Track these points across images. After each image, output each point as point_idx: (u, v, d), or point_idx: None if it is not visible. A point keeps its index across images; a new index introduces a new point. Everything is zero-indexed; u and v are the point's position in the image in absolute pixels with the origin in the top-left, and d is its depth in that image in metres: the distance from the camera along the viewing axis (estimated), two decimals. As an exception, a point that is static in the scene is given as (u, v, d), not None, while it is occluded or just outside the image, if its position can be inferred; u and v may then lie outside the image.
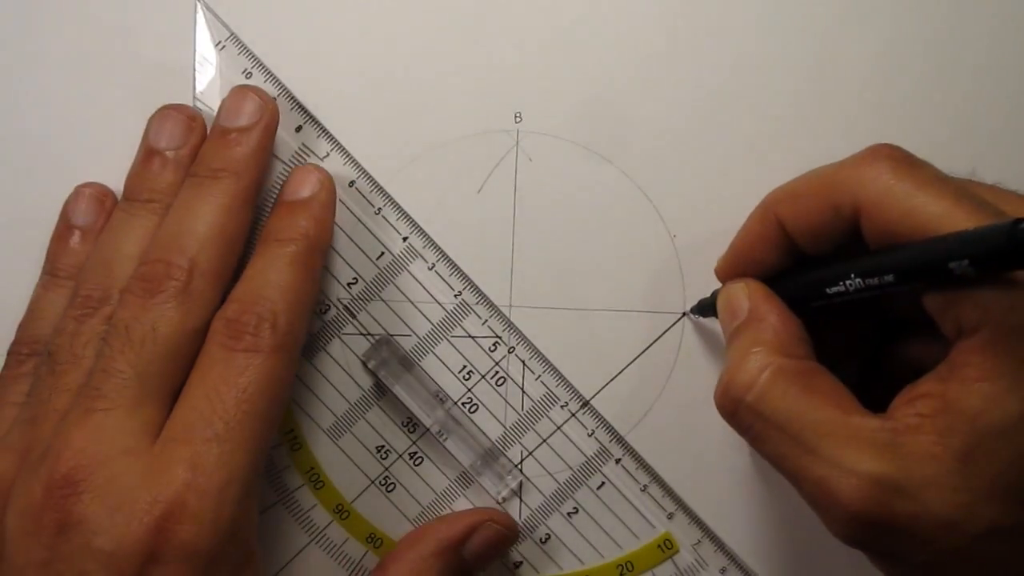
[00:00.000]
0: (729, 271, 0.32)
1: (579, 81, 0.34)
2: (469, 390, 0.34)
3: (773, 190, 0.30)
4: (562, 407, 0.34)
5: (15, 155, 0.34)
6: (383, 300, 0.34)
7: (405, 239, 0.34)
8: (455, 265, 0.34)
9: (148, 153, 0.33)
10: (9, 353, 0.33)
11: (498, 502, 0.34)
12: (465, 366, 0.34)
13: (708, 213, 0.34)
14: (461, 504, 0.34)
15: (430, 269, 0.34)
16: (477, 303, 0.34)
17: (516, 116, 0.34)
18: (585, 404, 0.34)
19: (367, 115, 0.34)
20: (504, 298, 0.34)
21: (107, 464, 0.28)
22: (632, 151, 0.34)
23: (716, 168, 0.34)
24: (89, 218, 0.33)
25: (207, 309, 0.30)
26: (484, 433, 0.34)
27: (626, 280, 0.34)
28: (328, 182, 0.33)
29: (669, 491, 0.34)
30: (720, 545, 0.34)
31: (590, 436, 0.34)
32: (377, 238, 0.34)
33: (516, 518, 0.34)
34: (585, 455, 0.34)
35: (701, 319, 0.34)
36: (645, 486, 0.34)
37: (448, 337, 0.34)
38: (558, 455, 0.34)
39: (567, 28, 0.34)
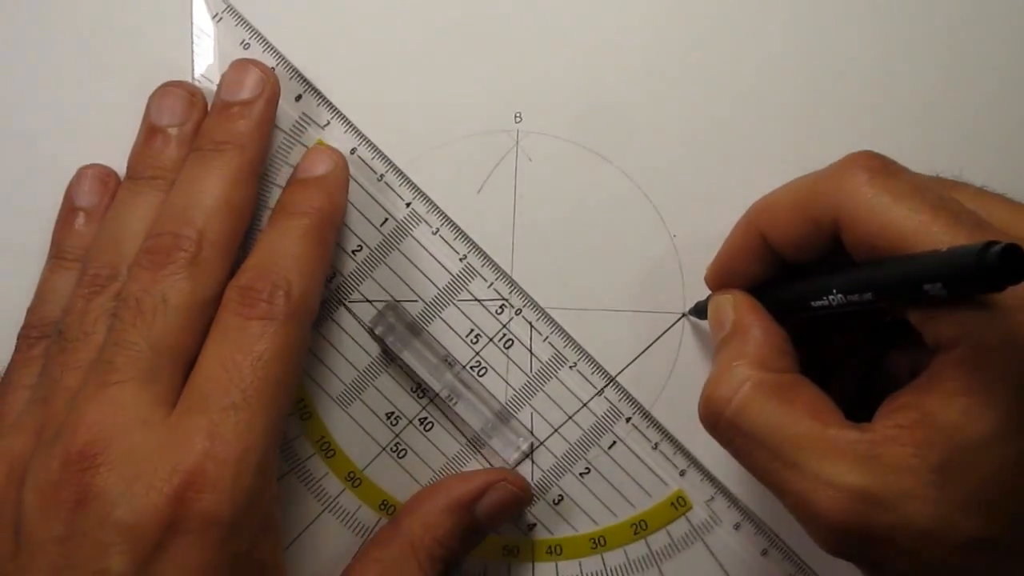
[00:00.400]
0: (716, 281, 0.32)
1: (579, 81, 0.34)
2: (477, 354, 0.34)
3: (754, 203, 0.30)
4: (570, 368, 0.34)
5: (15, 142, 0.34)
6: (388, 266, 0.34)
7: (408, 204, 0.34)
8: (459, 229, 0.34)
9: (150, 131, 0.33)
10: (19, 337, 0.33)
11: (509, 465, 0.34)
12: (472, 329, 0.34)
13: (708, 213, 0.34)
14: (473, 468, 0.34)
15: (434, 233, 0.34)
16: (483, 266, 0.34)
17: (516, 116, 0.34)
18: (593, 364, 0.34)
19: (368, 116, 0.34)
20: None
21: (123, 436, 0.28)
22: (632, 151, 0.34)
23: (716, 168, 0.34)
24: (93, 199, 0.33)
25: (217, 280, 0.30)
26: (494, 396, 0.34)
27: (626, 280, 0.34)
28: (342, 161, 0.33)
29: (680, 448, 0.34)
30: (733, 500, 0.34)
31: (600, 395, 0.34)
32: (380, 204, 0.34)
33: (528, 480, 0.34)
34: (595, 414, 0.34)
35: (699, 321, 0.34)
36: (656, 444, 0.34)
37: (454, 301, 0.34)
38: (568, 416, 0.34)
39: (567, 28, 0.34)
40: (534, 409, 0.34)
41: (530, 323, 0.34)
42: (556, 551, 0.34)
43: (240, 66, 0.32)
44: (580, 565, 0.34)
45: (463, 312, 0.34)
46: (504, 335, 0.34)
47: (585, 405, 0.34)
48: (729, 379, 0.28)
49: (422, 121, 0.34)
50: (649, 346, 0.34)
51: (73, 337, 0.30)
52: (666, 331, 0.34)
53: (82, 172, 0.34)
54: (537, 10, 0.34)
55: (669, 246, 0.34)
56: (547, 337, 0.34)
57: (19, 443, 0.29)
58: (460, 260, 0.34)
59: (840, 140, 0.32)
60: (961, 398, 0.24)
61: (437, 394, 0.34)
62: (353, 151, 0.34)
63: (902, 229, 0.25)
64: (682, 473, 0.34)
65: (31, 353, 0.32)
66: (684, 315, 0.34)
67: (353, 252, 0.34)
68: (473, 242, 0.34)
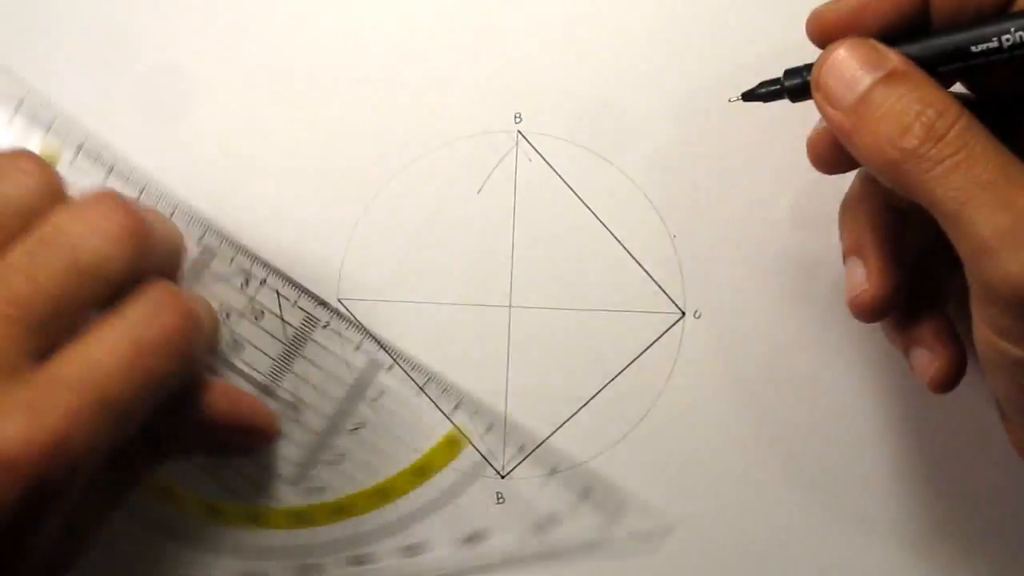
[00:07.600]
0: (832, 30, 0.27)
1: (579, 81, 0.34)
2: (231, 331, 0.34)
3: None
4: (323, 327, 0.34)
5: None
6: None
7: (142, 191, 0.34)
8: (193, 210, 0.34)
9: None
10: None
11: (284, 435, 0.34)
12: (221, 307, 0.34)
13: (708, 213, 0.34)
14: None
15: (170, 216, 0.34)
16: (221, 244, 0.34)
17: (516, 116, 0.34)
18: (343, 320, 0.34)
19: (368, 115, 0.34)
20: (504, 298, 0.34)
21: None
22: (632, 151, 0.34)
23: (716, 169, 0.34)
24: None
25: None
26: (256, 370, 0.34)
27: (626, 280, 0.34)
28: None
29: (447, 387, 0.34)
30: (511, 427, 0.34)
31: (357, 350, 0.34)
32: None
33: (302, 445, 0.34)
34: (357, 368, 0.34)
35: (758, 103, 0.30)
36: (422, 386, 0.34)
37: (199, 281, 0.34)
38: (332, 375, 0.34)
39: (567, 28, 0.34)
40: (296, 375, 0.34)
41: (276, 291, 0.34)
42: (345, 510, 0.34)
43: None
44: (371, 518, 0.34)
45: (209, 292, 0.34)
46: (253, 307, 0.34)
47: (345, 361, 0.34)
48: (937, 100, 0.24)
49: (422, 122, 0.34)
50: (648, 347, 0.34)
51: None
52: (666, 331, 0.34)
53: None
54: (537, 9, 0.34)
55: (669, 246, 0.34)
56: (295, 301, 0.34)
57: None
58: (199, 241, 0.34)
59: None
60: None
61: (199, 377, 0.34)
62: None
63: None
64: (456, 407, 0.34)
65: None
66: (736, 99, 0.30)
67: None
68: (209, 221, 0.34)
